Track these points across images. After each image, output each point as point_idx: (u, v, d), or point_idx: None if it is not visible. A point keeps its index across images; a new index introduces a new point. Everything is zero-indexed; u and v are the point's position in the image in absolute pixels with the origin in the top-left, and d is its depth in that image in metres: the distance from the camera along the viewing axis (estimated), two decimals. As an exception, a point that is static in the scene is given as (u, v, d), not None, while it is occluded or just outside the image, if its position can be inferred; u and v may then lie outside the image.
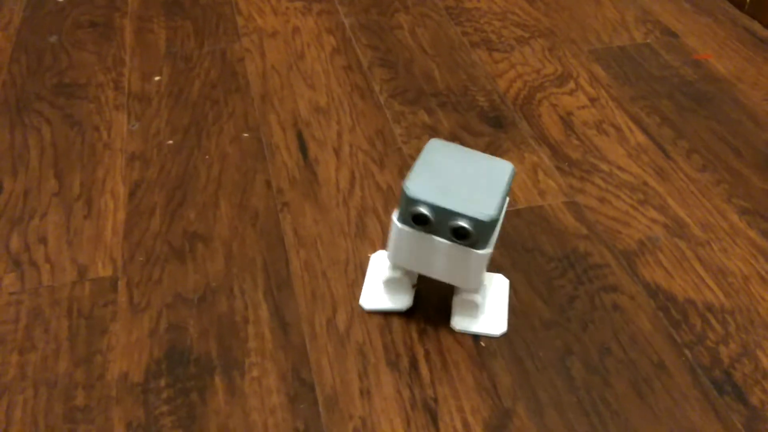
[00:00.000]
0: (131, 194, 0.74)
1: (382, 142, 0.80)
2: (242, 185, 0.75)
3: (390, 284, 0.60)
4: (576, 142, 0.80)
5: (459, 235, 0.52)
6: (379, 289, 0.62)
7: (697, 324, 0.60)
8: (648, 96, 0.86)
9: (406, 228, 0.55)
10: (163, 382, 0.56)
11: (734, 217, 0.69)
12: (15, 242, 0.69)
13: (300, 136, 0.81)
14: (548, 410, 0.54)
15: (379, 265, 0.64)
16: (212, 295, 0.63)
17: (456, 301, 0.59)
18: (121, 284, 0.65)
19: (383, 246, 0.68)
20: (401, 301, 0.61)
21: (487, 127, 0.82)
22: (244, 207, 0.72)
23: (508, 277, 0.64)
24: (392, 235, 0.56)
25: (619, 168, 0.76)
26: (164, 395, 0.55)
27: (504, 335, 0.59)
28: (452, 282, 0.56)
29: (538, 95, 0.87)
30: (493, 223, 0.52)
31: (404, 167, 0.77)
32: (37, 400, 0.55)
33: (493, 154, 0.78)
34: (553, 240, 0.68)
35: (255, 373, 0.57)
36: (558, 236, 0.68)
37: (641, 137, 0.80)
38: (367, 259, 0.66)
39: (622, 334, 0.59)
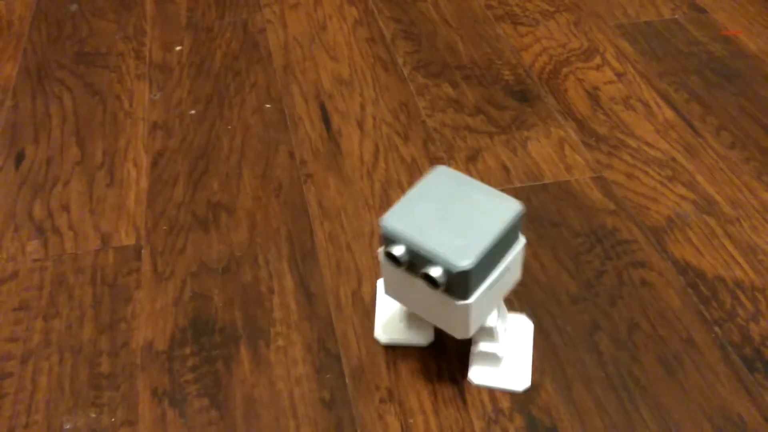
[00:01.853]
0: (154, 163, 0.74)
1: (406, 115, 0.79)
2: (265, 156, 0.74)
3: (410, 316, 0.55)
4: (603, 117, 0.78)
5: (429, 283, 0.47)
6: (396, 318, 0.57)
7: (726, 301, 0.59)
8: (676, 72, 0.85)
9: (387, 265, 0.50)
10: (188, 351, 0.56)
11: (764, 195, 0.68)
12: (38, 209, 0.69)
13: (323, 108, 0.81)
14: (576, 385, 0.53)
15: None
16: (237, 264, 0.63)
17: (473, 351, 0.53)
18: (145, 253, 0.64)
19: (408, 219, 0.67)
20: (422, 335, 0.56)
21: (512, 101, 0.81)
22: (267, 178, 0.72)
23: (535, 251, 0.64)
24: (381, 268, 0.51)
25: (647, 144, 0.75)
26: (189, 363, 0.55)
27: (528, 389, 0.53)
28: (442, 327, 0.50)
29: (564, 70, 0.86)
30: (465, 274, 0.45)
31: (428, 140, 0.76)
32: (62, 367, 0.55)
33: (519, 128, 0.77)
34: (581, 215, 0.67)
35: (280, 343, 0.57)
36: (585, 211, 0.67)
37: (669, 113, 0.79)
38: (392, 231, 0.66)
39: (650, 310, 0.58)
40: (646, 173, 0.71)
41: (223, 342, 0.57)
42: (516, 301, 0.59)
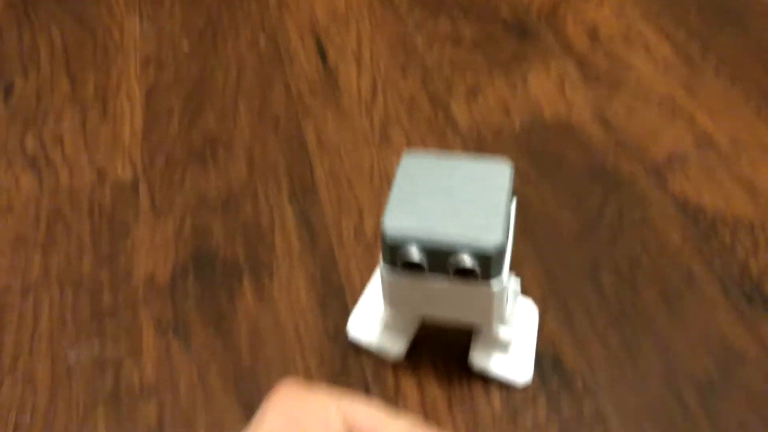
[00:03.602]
0: (147, 97, 0.72)
1: (403, 51, 0.78)
2: (261, 90, 0.73)
3: (387, 325, 0.51)
4: (602, 54, 0.78)
5: (462, 274, 0.42)
6: (375, 319, 0.52)
7: (726, 236, 0.60)
8: (675, 9, 0.84)
9: (395, 274, 0.43)
10: (190, 284, 0.56)
11: (764, 131, 0.68)
12: (30, 142, 0.67)
13: (318, 42, 0.79)
14: (578, 318, 0.54)
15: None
16: (236, 199, 0.62)
17: (477, 333, 0.50)
18: (142, 187, 0.63)
19: (408, 154, 0.66)
20: (394, 346, 0.51)
21: (511, 38, 0.80)
22: (264, 112, 0.71)
23: (536, 188, 0.63)
24: (382, 281, 0.45)
25: (647, 81, 0.74)
26: (192, 296, 0.55)
27: (528, 383, 0.50)
28: (473, 322, 0.47)
29: (563, 6, 0.84)
30: (501, 249, 0.41)
31: (426, 76, 0.75)
32: (63, 299, 0.55)
33: (518, 66, 0.76)
34: (581, 152, 0.67)
35: (283, 276, 0.56)
36: (586, 149, 0.67)
37: (668, 51, 0.78)
38: (393, 167, 0.65)
39: (651, 245, 0.59)
40: (646, 111, 0.71)
41: (225, 275, 0.56)
42: (519, 237, 0.59)
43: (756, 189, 0.63)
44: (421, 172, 0.45)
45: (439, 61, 0.76)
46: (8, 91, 0.73)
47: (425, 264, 0.42)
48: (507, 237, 0.43)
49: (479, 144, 0.67)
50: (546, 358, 0.51)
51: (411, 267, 0.42)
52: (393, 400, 0.50)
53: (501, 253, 0.41)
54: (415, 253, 0.42)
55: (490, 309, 0.44)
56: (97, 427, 0.48)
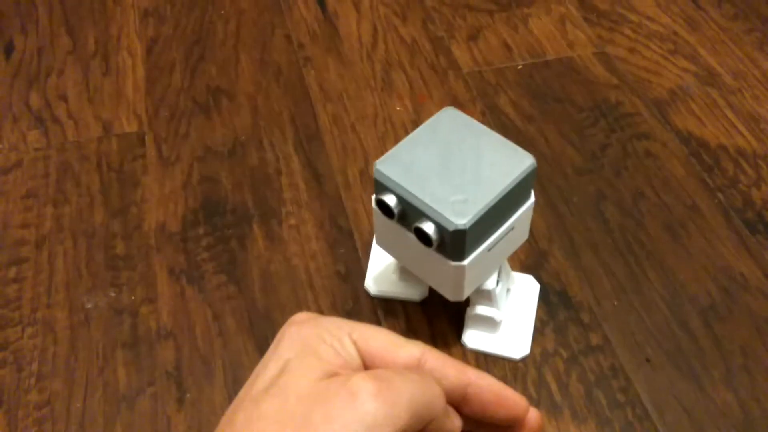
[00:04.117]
0: (148, 51, 0.72)
1: (403, -5, 0.77)
2: (261, 40, 0.73)
3: (403, 269, 0.51)
4: (603, -8, 0.77)
5: (421, 239, 0.42)
6: (389, 269, 0.53)
7: (729, 168, 0.60)
8: (676, -55, 0.83)
9: (379, 213, 0.44)
10: (201, 231, 0.57)
11: (766, 65, 0.68)
12: (35, 99, 0.67)
13: (317, -10, 0.78)
14: (584, 251, 0.55)
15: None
16: (242, 148, 0.63)
17: (468, 313, 0.49)
18: (149, 139, 0.64)
19: (411, 101, 0.67)
20: (416, 290, 0.52)
21: (511, -21, 0.79)
22: (265, 62, 0.71)
23: (540, 127, 0.64)
24: (374, 216, 0.47)
25: (649, 18, 0.74)
26: (204, 243, 0.56)
27: (525, 357, 0.49)
28: (433, 286, 0.47)
29: (563, -55, 0.83)
30: (460, 234, 0.40)
31: (427, 20, 0.74)
32: (77, 250, 0.56)
33: (519, 5, 0.76)
34: (584, 90, 0.67)
35: (293, 221, 0.57)
36: (588, 87, 0.67)
37: (670, -13, 0.77)
38: (397, 112, 0.66)
39: (655, 179, 0.59)
40: (648, 47, 0.71)
41: (236, 222, 0.57)
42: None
43: (758, 122, 0.63)
44: (444, 132, 0.44)
45: (439, 4, 0.76)
46: (8, 49, 0.72)
47: (396, 213, 0.43)
48: (485, 224, 0.42)
49: (481, 86, 0.67)
50: (553, 291, 0.53)
51: (385, 212, 0.43)
52: (404, 336, 0.51)
53: (463, 236, 0.41)
54: (391, 200, 0.42)
55: (447, 281, 0.44)
56: (117, 371, 0.49)
